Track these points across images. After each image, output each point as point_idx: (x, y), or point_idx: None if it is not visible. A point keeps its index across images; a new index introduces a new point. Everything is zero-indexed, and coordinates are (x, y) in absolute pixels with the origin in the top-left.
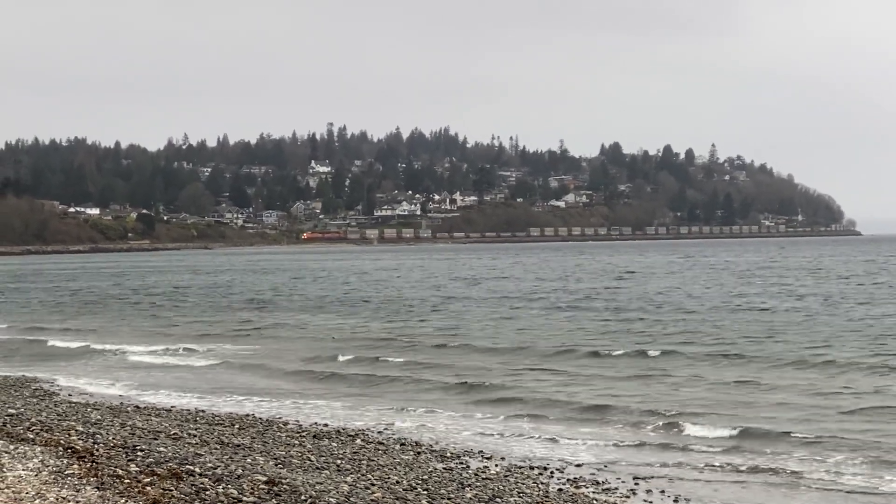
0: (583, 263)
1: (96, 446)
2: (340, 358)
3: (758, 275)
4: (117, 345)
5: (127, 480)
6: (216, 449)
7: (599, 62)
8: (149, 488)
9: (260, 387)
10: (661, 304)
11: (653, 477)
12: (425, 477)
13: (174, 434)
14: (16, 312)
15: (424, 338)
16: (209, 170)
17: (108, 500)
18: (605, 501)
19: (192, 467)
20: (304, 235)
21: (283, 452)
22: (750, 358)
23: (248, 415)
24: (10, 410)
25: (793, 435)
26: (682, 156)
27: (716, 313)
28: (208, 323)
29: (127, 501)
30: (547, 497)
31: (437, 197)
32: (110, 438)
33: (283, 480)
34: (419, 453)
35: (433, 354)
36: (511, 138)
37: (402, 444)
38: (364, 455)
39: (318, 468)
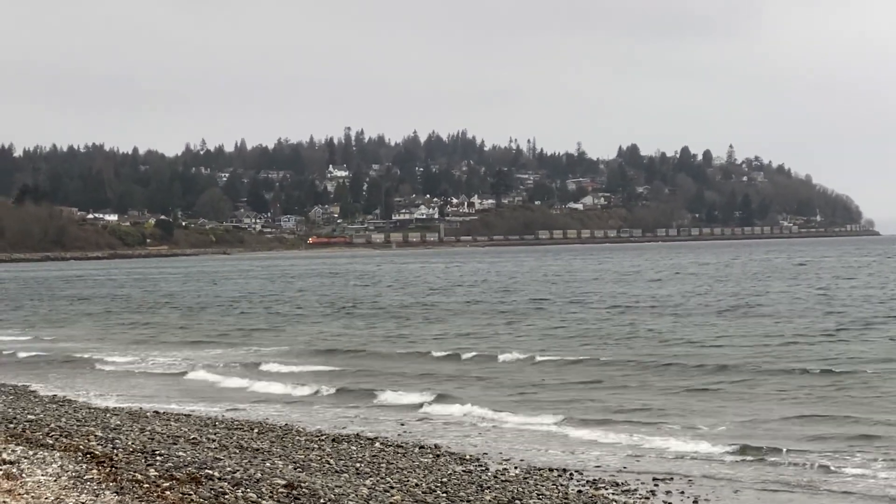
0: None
1: (115, 451)
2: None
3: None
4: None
5: (146, 485)
6: (235, 453)
7: (616, 64)
8: (168, 493)
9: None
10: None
11: (672, 479)
12: (444, 479)
13: (193, 439)
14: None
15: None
16: (227, 175)
17: None
18: (624, 502)
19: (211, 472)
20: (310, 240)
21: (302, 456)
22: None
23: (266, 419)
24: (29, 416)
25: (809, 438)
26: (700, 157)
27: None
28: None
29: None
30: (566, 498)
31: (455, 200)
32: (129, 443)
33: (303, 484)
34: (438, 456)
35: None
36: (528, 141)
37: (421, 447)
38: (383, 458)
39: (337, 472)
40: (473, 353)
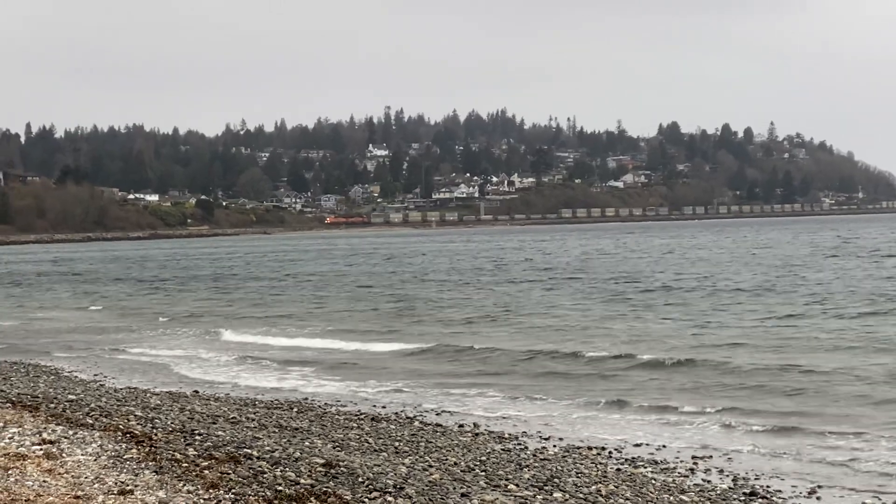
0: None
1: (155, 431)
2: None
3: None
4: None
5: (185, 464)
6: (274, 432)
7: (656, 41)
8: (207, 472)
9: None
10: None
11: (711, 456)
12: (483, 458)
13: (233, 418)
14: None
15: None
16: (267, 155)
17: (167, 483)
18: (663, 481)
19: (249, 451)
20: (328, 220)
21: (341, 435)
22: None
23: (305, 398)
24: (70, 396)
25: (845, 416)
26: (741, 134)
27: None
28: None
29: (185, 485)
30: (605, 477)
31: (495, 179)
32: (169, 423)
33: (341, 463)
34: (477, 435)
35: None
36: (568, 119)
37: (461, 426)
38: (422, 437)
39: (376, 450)
40: None
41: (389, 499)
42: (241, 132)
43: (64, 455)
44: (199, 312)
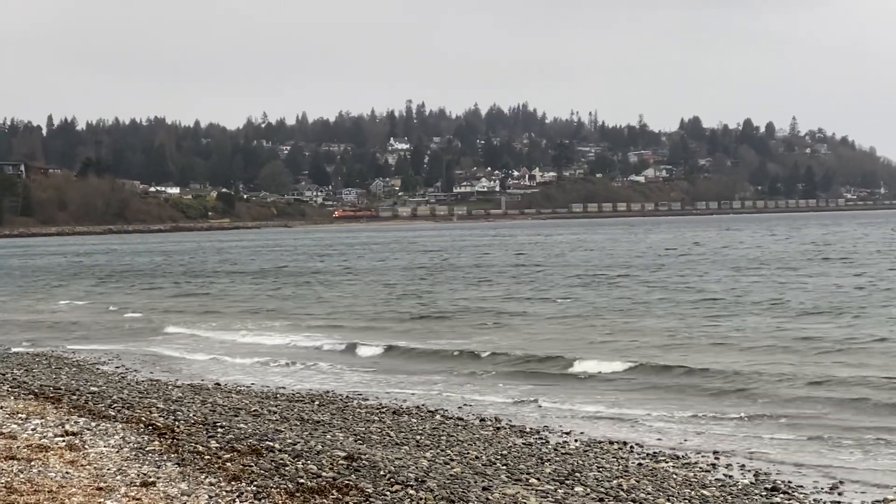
0: None
1: (177, 423)
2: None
3: None
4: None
5: (207, 457)
6: (296, 425)
7: (678, 36)
8: (229, 464)
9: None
10: None
11: (734, 452)
12: (504, 452)
13: (254, 411)
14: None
15: None
16: (288, 148)
17: (189, 475)
18: (684, 476)
19: (271, 443)
20: (336, 214)
21: (363, 428)
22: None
23: (328, 391)
24: (92, 388)
25: (863, 416)
26: (763, 129)
27: None
28: None
29: (207, 477)
30: (627, 471)
31: (516, 173)
32: (191, 415)
33: (363, 456)
34: (499, 429)
35: None
36: (590, 113)
37: (482, 420)
38: (443, 431)
39: (397, 444)
40: None
41: (411, 492)
42: (263, 125)
43: (86, 447)
44: (176, 308)
